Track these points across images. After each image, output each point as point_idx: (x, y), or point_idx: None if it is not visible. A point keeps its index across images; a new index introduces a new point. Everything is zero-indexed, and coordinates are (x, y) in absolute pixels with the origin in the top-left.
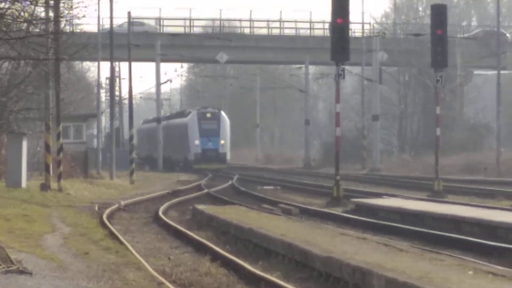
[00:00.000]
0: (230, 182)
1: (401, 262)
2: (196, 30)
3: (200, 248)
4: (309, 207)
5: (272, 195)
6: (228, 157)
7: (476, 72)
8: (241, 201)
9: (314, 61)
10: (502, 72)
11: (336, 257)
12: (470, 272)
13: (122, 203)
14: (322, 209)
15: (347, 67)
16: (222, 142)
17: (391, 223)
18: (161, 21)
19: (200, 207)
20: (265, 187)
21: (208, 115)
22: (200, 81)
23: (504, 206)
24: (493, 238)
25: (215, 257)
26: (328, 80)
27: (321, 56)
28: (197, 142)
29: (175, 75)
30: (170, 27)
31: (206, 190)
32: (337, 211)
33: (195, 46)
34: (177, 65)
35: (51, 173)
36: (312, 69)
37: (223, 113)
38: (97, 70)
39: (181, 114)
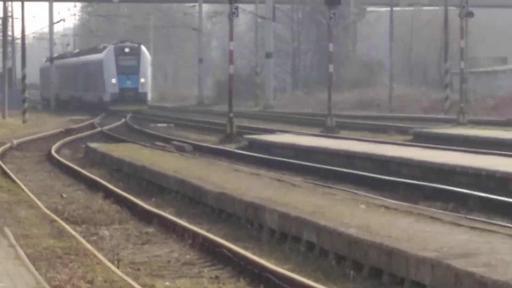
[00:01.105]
0: (123, 120)
1: (293, 197)
2: None
3: (93, 186)
4: (202, 144)
5: (166, 133)
6: (149, 97)
7: (369, 9)
8: (134, 139)
9: None
10: (395, 8)
11: (229, 193)
12: (363, 206)
13: (15, 142)
14: (216, 146)
15: (240, 5)
16: (143, 80)
17: (284, 159)
18: None
19: (93, 145)
20: (159, 125)
21: (127, 50)
22: (94, 21)
23: (396, 140)
24: (386, 173)
25: (108, 194)
26: (222, 18)
27: None
28: (113, 80)
29: (68, 14)
30: None
31: (99, 129)
32: (231, 147)
33: None
34: (71, 4)
35: None
36: (205, 7)
37: (143, 47)
38: None
39: (94, 49)
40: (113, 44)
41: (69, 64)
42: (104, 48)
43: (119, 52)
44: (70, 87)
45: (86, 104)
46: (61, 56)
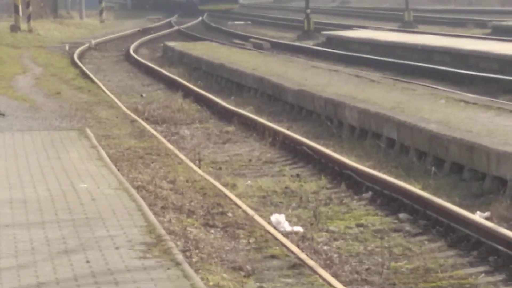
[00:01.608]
0: (200, 19)
1: (373, 93)
2: None
3: (172, 85)
4: (280, 41)
5: (243, 30)
6: None
7: None
8: (212, 37)
9: None
10: None
11: (308, 90)
12: (442, 101)
13: (93, 42)
14: (293, 43)
15: None
16: None
17: (362, 55)
18: None
19: (171, 44)
20: (236, 22)
21: None
22: None
23: (475, 34)
24: (464, 67)
25: (187, 93)
26: None
27: None
28: None
29: None
30: None
31: (176, 27)
32: (308, 44)
33: None
34: None
35: (20, 14)
36: None
37: None
38: None
39: None
40: None
41: None
42: None
43: None
44: None
45: (173, 3)
46: None
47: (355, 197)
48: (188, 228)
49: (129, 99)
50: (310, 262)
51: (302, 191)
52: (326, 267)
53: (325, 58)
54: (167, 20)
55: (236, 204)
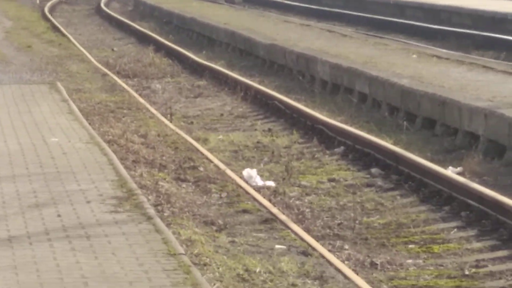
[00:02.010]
0: None
1: (345, 48)
2: None
3: (143, 39)
4: None
5: None
6: None
7: None
8: None
9: None
10: None
11: (279, 44)
12: (414, 56)
13: None
14: None
15: None
16: None
17: (335, 9)
18: None
19: None
20: None
21: None
22: None
23: None
24: (437, 22)
25: (159, 47)
26: None
27: None
28: None
29: None
30: None
31: None
32: None
33: None
34: None
35: None
36: None
37: None
38: None
39: None
40: None
41: None
42: None
43: None
44: None
45: None
46: None
47: (327, 152)
48: (160, 183)
49: (100, 53)
50: (282, 217)
51: (274, 145)
52: (298, 221)
53: (297, 13)
54: None
55: (207, 158)
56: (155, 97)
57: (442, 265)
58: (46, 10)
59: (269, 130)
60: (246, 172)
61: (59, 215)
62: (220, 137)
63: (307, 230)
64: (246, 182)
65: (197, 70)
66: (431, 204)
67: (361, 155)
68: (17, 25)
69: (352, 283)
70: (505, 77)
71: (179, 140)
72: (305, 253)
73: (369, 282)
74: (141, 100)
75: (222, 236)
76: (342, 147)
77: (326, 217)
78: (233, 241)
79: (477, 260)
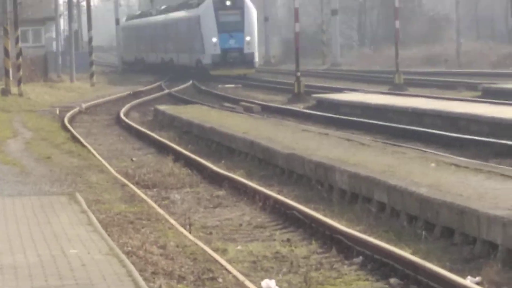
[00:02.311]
0: (190, 82)
1: (363, 156)
2: None
3: (162, 149)
4: (270, 104)
5: (233, 93)
6: (257, 58)
7: None
8: (202, 100)
9: None
10: None
11: (298, 154)
12: (433, 165)
13: (83, 105)
14: (284, 106)
15: None
16: (248, 38)
17: (353, 118)
18: None
19: (161, 107)
20: (226, 86)
21: (228, 2)
22: None
23: (465, 97)
24: (455, 130)
25: (178, 157)
26: None
27: None
28: (214, 39)
29: None
30: None
31: (167, 91)
32: (299, 107)
33: None
34: None
35: (11, 78)
36: None
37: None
38: None
39: (186, 4)
40: None
41: (153, 23)
42: (200, 2)
43: (219, 6)
44: (157, 49)
45: (179, 68)
46: (140, 15)
47: (346, 262)
48: None
49: (119, 163)
50: None
51: (292, 256)
52: None
53: (316, 121)
54: (158, 83)
55: (226, 269)
56: (174, 208)
57: None
58: (65, 120)
59: (288, 240)
60: (265, 283)
61: None
62: (239, 247)
63: None
64: None
65: (216, 179)
66: None
67: (380, 265)
68: (36, 136)
69: None
70: None
71: (198, 251)
72: None
73: None
74: (160, 210)
75: None
76: (361, 257)
77: None
78: None
79: None
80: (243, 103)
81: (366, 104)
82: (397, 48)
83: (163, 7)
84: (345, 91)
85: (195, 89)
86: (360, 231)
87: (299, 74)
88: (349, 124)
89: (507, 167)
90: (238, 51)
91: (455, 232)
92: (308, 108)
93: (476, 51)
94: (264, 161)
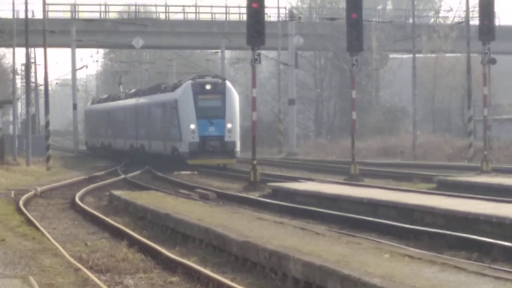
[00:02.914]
0: (146, 167)
1: (318, 246)
2: (112, 15)
3: (117, 234)
4: (226, 191)
5: (189, 180)
6: (238, 147)
7: (391, 55)
8: (158, 186)
9: (230, 46)
10: (417, 55)
11: (253, 242)
12: (387, 255)
13: (39, 189)
14: (239, 194)
15: (263, 52)
16: (230, 126)
17: (308, 207)
18: (76, 6)
19: (117, 192)
20: (182, 172)
21: (208, 87)
22: (116, 67)
23: (420, 189)
24: (410, 221)
25: (132, 242)
26: (245, 64)
27: (237, 41)
28: (192, 126)
29: (91, 61)
30: (86, 13)
31: (122, 176)
32: (254, 195)
33: (111, 32)
34: (93, 51)
35: None
36: (228, 54)
37: (228, 84)
38: (13, 57)
39: (162, 88)
40: (190, 80)
41: (122, 106)
42: (178, 85)
43: (198, 90)
44: (126, 135)
45: (152, 156)
46: (107, 99)
47: None
48: None
49: (73, 247)
50: None
51: None
52: None
53: (271, 210)
54: (113, 168)
55: None
56: None
57: None
58: (20, 203)
59: None
60: None
61: None
62: None
63: None
64: None
65: (170, 266)
66: None
67: None
68: None
69: None
70: (476, 278)
71: None
72: None
73: None
74: None
75: None
76: None
77: None
78: None
79: None
80: (199, 190)
81: (322, 194)
82: (353, 138)
83: (132, 90)
84: (301, 180)
85: (150, 175)
86: None
87: (255, 162)
88: (304, 213)
89: (461, 260)
90: (218, 139)
91: None
92: (263, 196)
93: (432, 144)
94: (218, 248)
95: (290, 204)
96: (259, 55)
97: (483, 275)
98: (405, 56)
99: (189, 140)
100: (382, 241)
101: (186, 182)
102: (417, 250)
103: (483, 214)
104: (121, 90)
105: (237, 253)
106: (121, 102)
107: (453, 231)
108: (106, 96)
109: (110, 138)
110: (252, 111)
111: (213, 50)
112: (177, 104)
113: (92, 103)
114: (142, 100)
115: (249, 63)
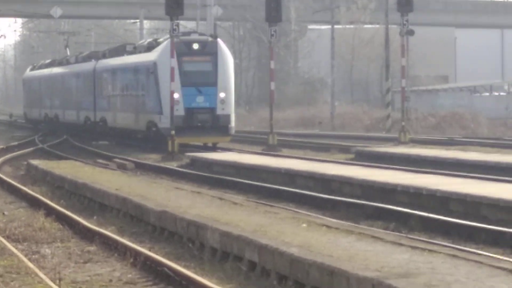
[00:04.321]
0: (64, 137)
1: (235, 215)
2: None
3: (34, 203)
4: (144, 161)
5: (107, 151)
6: (233, 122)
7: (310, 26)
8: (76, 156)
9: (149, 16)
10: (336, 26)
11: (170, 211)
12: (304, 225)
13: None
14: (157, 164)
15: (181, 22)
16: (222, 95)
17: (226, 177)
18: None
19: (34, 162)
20: (100, 142)
21: (195, 46)
22: (35, 37)
23: (338, 159)
24: (327, 191)
25: (50, 212)
26: (163, 35)
27: (156, 11)
28: (176, 96)
29: (8, 30)
30: None
31: (40, 145)
32: (172, 165)
33: (29, 1)
34: (11, 20)
35: None
36: (147, 24)
37: (221, 43)
38: None
39: (134, 48)
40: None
41: (76, 72)
42: (155, 44)
43: (183, 50)
44: (80, 106)
45: (116, 132)
46: (52, 63)
47: None
48: None
49: None
50: None
51: None
52: None
53: (189, 180)
54: (31, 138)
55: None
56: (44, 262)
57: None
58: None
59: None
60: None
61: None
62: None
63: None
64: None
65: (87, 235)
66: None
67: None
68: None
69: None
70: (393, 248)
71: None
72: None
73: None
74: (30, 264)
75: None
76: None
77: None
78: None
79: None
80: (117, 160)
81: (240, 164)
82: (271, 108)
83: (86, 52)
84: (219, 150)
85: (69, 145)
86: None
87: (173, 132)
88: (222, 183)
89: (378, 229)
90: (208, 112)
91: None
92: (181, 166)
93: (350, 115)
94: (136, 218)
95: (208, 174)
96: (177, 25)
97: (400, 244)
98: (324, 27)
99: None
100: (300, 211)
101: (104, 152)
102: (335, 220)
103: (401, 185)
104: (68, 53)
105: (154, 223)
106: (71, 67)
107: (370, 201)
108: (49, 61)
109: (57, 109)
110: (171, 81)
111: (132, 20)
112: (156, 67)
113: (32, 69)
114: (102, 64)
115: (168, 33)
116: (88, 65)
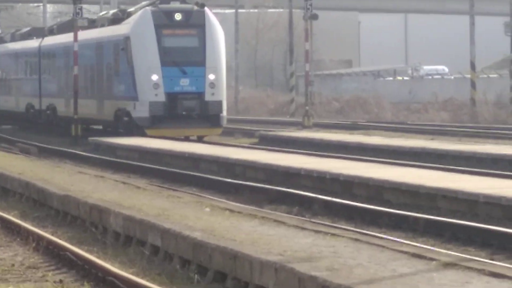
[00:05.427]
0: None
1: (138, 200)
2: None
3: None
4: (48, 146)
5: (10, 135)
6: (225, 111)
7: (214, 10)
8: None
9: None
10: (239, 10)
11: (73, 196)
12: (207, 209)
13: None
14: (61, 148)
15: (85, 6)
16: (212, 78)
17: (130, 161)
18: None
19: None
20: (3, 126)
21: (178, 16)
22: None
23: (242, 143)
24: (231, 176)
25: None
26: (67, 18)
27: None
28: (155, 78)
29: None
30: None
31: None
32: (76, 150)
33: None
34: None
35: None
36: (50, 7)
37: (209, 13)
38: None
39: (100, 19)
40: (151, 6)
41: (13, 53)
42: (126, 15)
43: (163, 22)
44: (17, 92)
45: (91, 123)
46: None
47: None
48: None
49: None
50: None
51: None
52: None
53: (92, 164)
54: None
55: None
56: None
57: None
58: None
59: (60, 281)
60: None
61: None
62: (11, 287)
63: None
64: None
65: None
66: None
67: None
68: None
69: None
70: (296, 232)
71: None
72: None
73: None
74: None
75: None
76: None
77: None
78: None
79: None
80: (20, 144)
81: (143, 148)
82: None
83: (27, 29)
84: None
85: None
86: (133, 274)
87: (76, 117)
88: (125, 167)
89: (281, 214)
90: (195, 98)
91: (228, 276)
92: (85, 151)
93: (254, 99)
94: (39, 202)
95: (112, 159)
96: (81, 9)
97: (303, 228)
98: (228, 11)
99: (150, 98)
100: (203, 195)
101: (6, 136)
102: (238, 204)
103: (304, 169)
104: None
105: (57, 207)
106: (7, 46)
107: (274, 186)
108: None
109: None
110: (74, 65)
111: (35, 4)
112: (130, 42)
113: None
114: (50, 41)
115: (71, 17)
116: (31, 43)
